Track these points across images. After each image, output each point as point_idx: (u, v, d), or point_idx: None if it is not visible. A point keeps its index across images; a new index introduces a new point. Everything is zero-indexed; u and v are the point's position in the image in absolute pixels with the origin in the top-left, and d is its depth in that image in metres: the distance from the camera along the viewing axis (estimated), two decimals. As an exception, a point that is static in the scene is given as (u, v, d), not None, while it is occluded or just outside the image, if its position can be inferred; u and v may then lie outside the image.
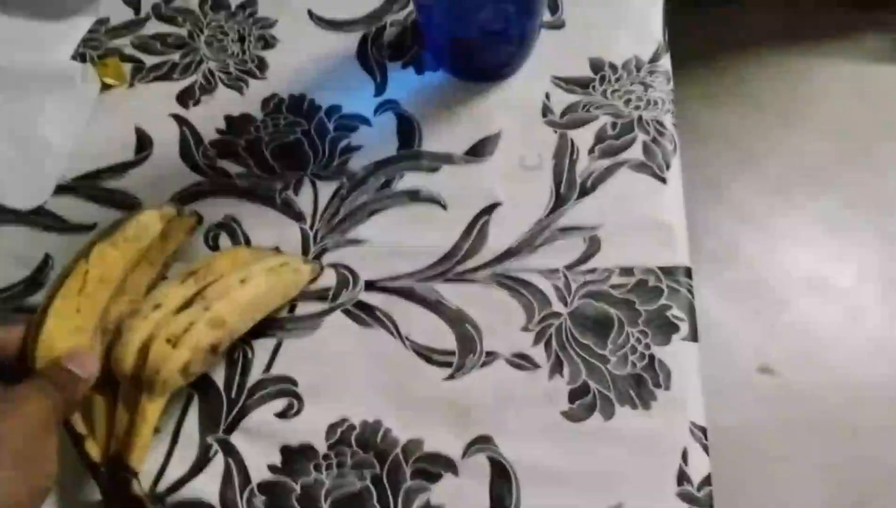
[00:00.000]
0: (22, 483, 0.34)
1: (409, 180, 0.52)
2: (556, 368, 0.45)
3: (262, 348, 0.47)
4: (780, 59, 1.42)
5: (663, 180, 0.51)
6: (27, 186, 0.52)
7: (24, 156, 0.53)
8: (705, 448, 0.43)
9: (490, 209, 0.50)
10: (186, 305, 0.43)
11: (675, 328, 0.46)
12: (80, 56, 0.58)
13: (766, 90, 1.39)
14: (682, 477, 0.42)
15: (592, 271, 0.48)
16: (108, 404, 0.43)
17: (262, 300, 0.46)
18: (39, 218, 0.52)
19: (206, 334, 0.43)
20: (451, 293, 0.48)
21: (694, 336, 0.46)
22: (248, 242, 0.50)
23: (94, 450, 0.40)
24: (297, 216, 0.51)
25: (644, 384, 0.45)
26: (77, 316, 0.42)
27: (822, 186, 1.30)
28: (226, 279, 0.44)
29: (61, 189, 0.53)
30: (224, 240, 0.51)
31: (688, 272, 0.48)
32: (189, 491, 0.44)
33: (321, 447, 0.44)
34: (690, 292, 0.47)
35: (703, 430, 0.44)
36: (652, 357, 0.45)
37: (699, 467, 0.43)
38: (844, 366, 1.16)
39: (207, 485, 0.44)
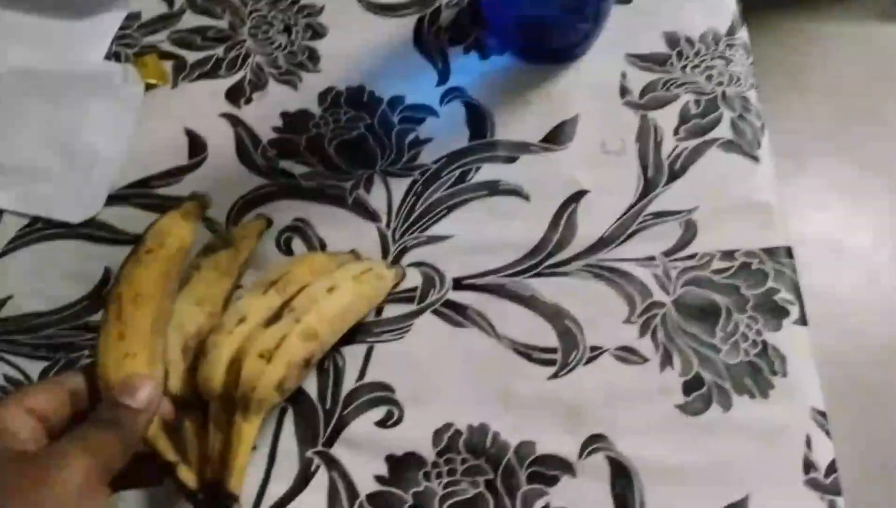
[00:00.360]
0: None
1: (486, 172, 0.49)
2: (666, 360, 0.43)
3: (353, 355, 0.45)
4: (783, 24, 1.41)
5: (755, 159, 0.49)
6: (77, 197, 0.49)
7: (70, 165, 0.50)
8: (828, 434, 0.42)
9: (576, 198, 0.48)
10: (275, 317, 0.40)
11: (785, 313, 0.44)
12: (114, 56, 0.54)
13: (771, 56, 1.38)
14: (809, 465, 0.41)
15: (692, 256, 0.46)
16: (197, 426, 0.40)
17: (351, 310, 0.43)
18: (94, 231, 0.48)
19: (299, 347, 0.40)
20: (545, 288, 0.46)
21: (804, 319, 0.44)
22: (322, 245, 0.48)
23: (188, 477, 0.37)
24: (372, 216, 0.48)
25: (760, 372, 0.43)
26: (122, 343, 0.38)
27: (832, 148, 1.30)
28: (312, 289, 0.42)
29: (113, 199, 0.49)
30: (298, 244, 0.48)
31: (789, 253, 0.46)
32: (294, 509, 0.41)
33: (428, 454, 0.42)
34: (795, 272, 0.46)
35: (824, 415, 0.42)
36: (765, 344, 0.43)
37: (824, 453, 0.41)
38: (865, 327, 1.17)
39: (313, 501, 0.41)
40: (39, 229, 0.48)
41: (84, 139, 0.50)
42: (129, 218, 0.48)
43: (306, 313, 0.40)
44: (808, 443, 0.41)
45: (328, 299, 0.41)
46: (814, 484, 0.40)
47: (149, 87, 0.53)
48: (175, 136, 0.51)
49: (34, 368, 0.45)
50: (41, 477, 0.31)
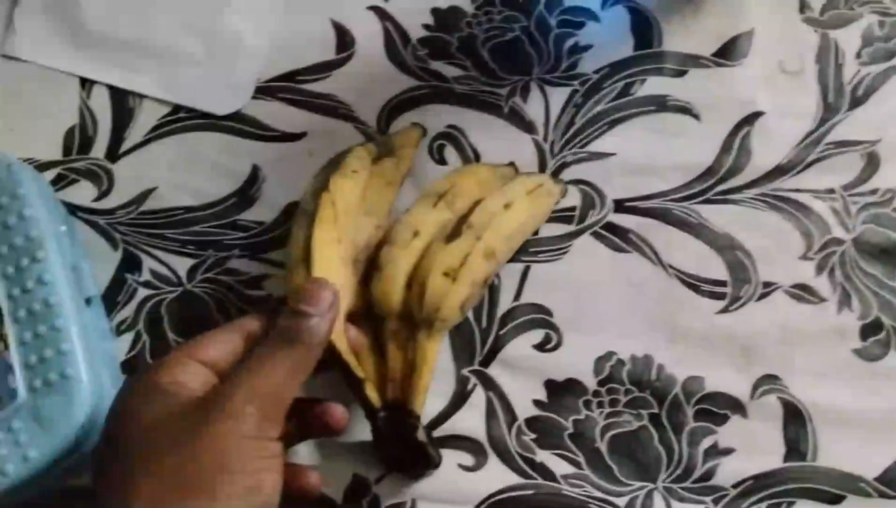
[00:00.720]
0: None
1: (652, 86, 0.46)
2: (844, 301, 0.41)
3: (508, 274, 0.43)
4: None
5: (943, 91, 0.45)
6: (222, 87, 0.46)
7: (214, 52, 0.47)
8: None
9: (750, 120, 0.45)
10: (454, 233, 0.39)
11: (971, 258, 0.42)
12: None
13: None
14: None
15: (873, 191, 0.43)
16: (369, 341, 0.39)
17: (525, 228, 0.41)
18: (239, 124, 0.46)
19: (481, 266, 0.38)
20: (715, 216, 0.43)
21: None
22: (476, 155, 0.45)
23: (373, 395, 0.37)
24: (528, 127, 0.46)
25: (941, 319, 0.41)
26: (339, 246, 0.37)
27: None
28: (489, 204, 0.40)
29: (258, 92, 0.47)
30: (450, 153, 0.45)
31: (977, 194, 0.43)
32: (451, 427, 0.41)
33: (590, 383, 0.41)
34: (983, 216, 0.43)
35: None
36: (947, 290, 0.41)
37: None
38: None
39: (471, 420, 0.41)
40: (182, 120, 0.46)
41: (228, 24, 0.47)
42: (276, 113, 0.46)
43: (485, 230, 0.38)
44: None
45: (505, 216, 0.39)
46: None
47: (291, -29, 0.49)
48: (321, 27, 0.48)
49: (181, 264, 0.44)
50: (204, 426, 0.29)
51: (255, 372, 0.31)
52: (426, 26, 0.48)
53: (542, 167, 0.45)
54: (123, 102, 0.47)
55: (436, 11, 0.48)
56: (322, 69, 0.47)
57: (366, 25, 0.48)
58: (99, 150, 0.46)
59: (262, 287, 0.43)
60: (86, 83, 0.47)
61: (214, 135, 0.46)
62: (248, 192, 0.45)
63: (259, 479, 0.29)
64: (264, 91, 0.47)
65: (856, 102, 0.45)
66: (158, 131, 0.46)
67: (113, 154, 0.46)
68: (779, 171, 0.44)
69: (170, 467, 0.29)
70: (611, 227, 0.44)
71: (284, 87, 0.47)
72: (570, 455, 0.40)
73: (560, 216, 0.44)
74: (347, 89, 0.46)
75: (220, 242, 0.44)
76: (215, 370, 0.32)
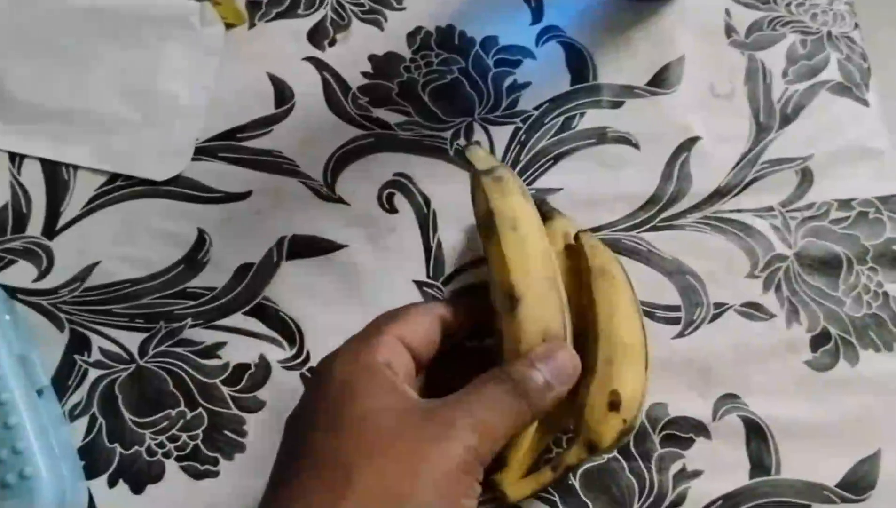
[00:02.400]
0: None
1: (592, 119, 0.47)
2: (792, 315, 0.43)
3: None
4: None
5: (865, 103, 0.47)
6: (160, 151, 0.45)
7: (150, 116, 0.46)
8: (953, 385, 0.42)
9: (688, 145, 0.46)
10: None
11: (906, 263, 0.44)
12: (178, -8, 0.49)
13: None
14: (938, 417, 0.41)
15: (810, 206, 0.45)
16: None
17: None
18: (181, 188, 0.45)
19: None
20: (662, 242, 0.44)
21: (923, 270, 0.44)
22: (426, 201, 0.45)
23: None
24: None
25: (883, 325, 0.43)
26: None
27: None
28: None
29: (198, 153, 0.46)
30: (400, 201, 0.45)
31: (905, 201, 0.46)
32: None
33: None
34: (913, 222, 0.45)
35: (949, 366, 0.42)
36: (886, 295, 0.43)
37: (950, 405, 0.42)
38: None
39: None
40: (120, 188, 0.45)
41: (163, 87, 0.46)
42: (218, 173, 0.45)
43: None
44: (936, 395, 0.41)
45: None
46: (945, 436, 0.41)
47: (227, 27, 0.48)
48: (258, 82, 0.47)
49: (132, 339, 0.42)
50: (431, 443, 0.28)
51: (480, 406, 0.30)
52: (365, 74, 0.48)
53: (492, 207, 0.45)
54: (57, 175, 0.45)
55: (373, 58, 0.48)
56: (262, 125, 0.46)
57: (304, 77, 0.47)
58: (35, 227, 0.44)
59: (220, 356, 0.42)
60: (15, 158, 0.45)
61: (155, 201, 0.45)
62: (195, 258, 0.44)
63: None
64: (204, 151, 0.46)
65: (786, 120, 0.47)
66: (96, 203, 0.45)
67: (50, 230, 0.44)
68: (719, 193, 0.45)
69: (393, 468, 0.28)
70: (564, 261, 0.44)
71: (225, 145, 0.46)
72: (546, 496, 0.40)
73: (514, 255, 0.44)
74: (290, 144, 0.46)
75: (171, 312, 0.43)
76: (414, 356, 0.32)
